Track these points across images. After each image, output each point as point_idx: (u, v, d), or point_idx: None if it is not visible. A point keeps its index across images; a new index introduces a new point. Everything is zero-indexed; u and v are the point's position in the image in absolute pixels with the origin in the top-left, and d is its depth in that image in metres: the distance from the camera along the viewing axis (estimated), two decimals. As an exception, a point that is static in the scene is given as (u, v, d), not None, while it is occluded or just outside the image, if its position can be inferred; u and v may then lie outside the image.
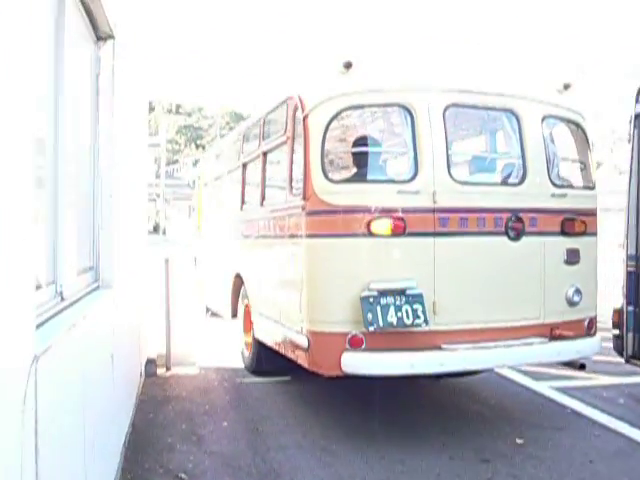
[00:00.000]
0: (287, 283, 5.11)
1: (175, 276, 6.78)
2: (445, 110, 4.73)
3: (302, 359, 4.86)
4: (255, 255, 6.16)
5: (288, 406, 5.67)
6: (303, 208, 4.71)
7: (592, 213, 5.26)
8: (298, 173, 5.00)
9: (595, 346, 5.05)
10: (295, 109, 5.00)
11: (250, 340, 6.78)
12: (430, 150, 4.64)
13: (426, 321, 4.49)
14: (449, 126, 4.76)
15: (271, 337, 5.70)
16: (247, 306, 6.88)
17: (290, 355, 5.17)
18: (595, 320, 5.22)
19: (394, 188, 4.63)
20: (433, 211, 4.63)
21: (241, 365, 6.98)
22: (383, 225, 4.52)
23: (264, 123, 6.01)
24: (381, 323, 4.42)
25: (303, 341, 4.74)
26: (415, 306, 4.51)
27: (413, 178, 4.64)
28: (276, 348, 5.58)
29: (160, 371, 6.68)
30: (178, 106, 49.68)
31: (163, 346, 6.88)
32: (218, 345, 8.17)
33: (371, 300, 4.46)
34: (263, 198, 6.04)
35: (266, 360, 6.31)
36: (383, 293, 4.48)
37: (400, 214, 4.55)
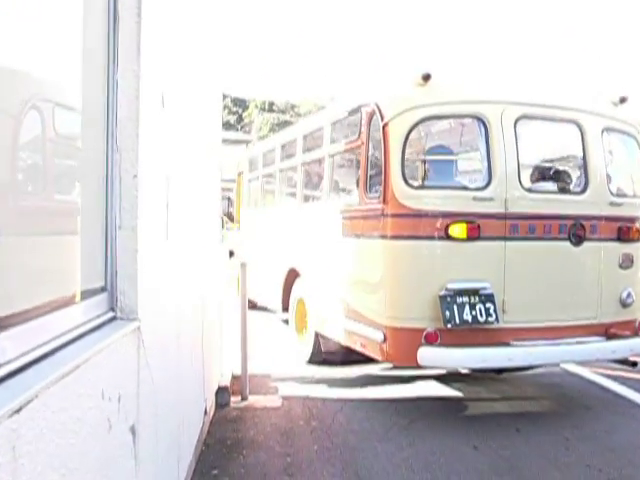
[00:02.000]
0: (360, 280, 5.42)
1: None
2: (516, 121, 5.06)
3: (375, 352, 5.19)
4: (318, 252, 6.45)
5: (394, 461, 4.37)
6: (382, 211, 5.03)
7: (642, 219, 5.61)
8: (375, 177, 5.32)
9: (645, 345, 5.41)
10: (371, 116, 5.30)
11: (305, 332, 7.11)
12: (503, 159, 4.97)
13: (497, 319, 4.84)
14: (519, 137, 5.08)
15: (335, 330, 6.02)
16: (301, 299, 7.20)
17: (359, 348, 5.49)
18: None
19: (469, 195, 4.96)
20: (505, 217, 4.96)
21: (328, 393, 5.89)
22: (459, 229, 4.85)
23: (332, 126, 6.29)
24: (457, 320, 4.76)
25: (378, 335, 5.07)
26: (487, 305, 4.86)
27: (487, 185, 4.97)
28: (340, 341, 5.91)
29: (235, 399, 5.59)
30: (271, 103, 49.74)
31: (237, 366, 5.88)
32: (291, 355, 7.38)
33: (449, 299, 4.80)
34: (329, 197, 6.34)
35: (325, 352, 6.66)
36: (459, 293, 4.82)
37: (475, 219, 4.89)
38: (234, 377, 5.99)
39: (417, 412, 5.39)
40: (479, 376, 6.49)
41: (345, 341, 5.81)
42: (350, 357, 6.42)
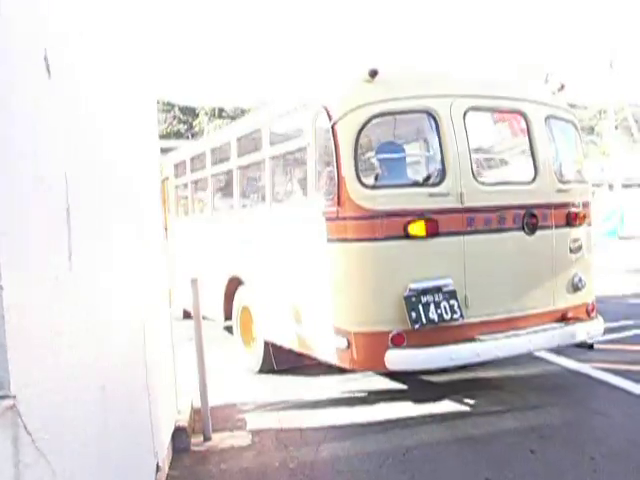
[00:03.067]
0: (317, 285, 5.23)
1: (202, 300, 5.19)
2: (465, 114, 5.00)
3: (339, 359, 5.02)
4: (265, 259, 6.21)
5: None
6: (337, 213, 4.86)
7: (588, 204, 5.70)
8: (325, 178, 5.14)
9: (600, 327, 5.50)
10: (317, 115, 5.12)
11: (252, 341, 6.87)
12: (455, 153, 4.90)
13: (462, 315, 4.79)
14: (469, 129, 5.03)
15: (289, 339, 5.81)
16: (246, 308, 6.95)
17: (320, 356, 5.32)
18: (595, 303, 5.68)
19: (425, 191, 4.87)
20: (461, 211, 4.91)
21: (304, 420, 5.16)
22: (418, 227, 4.75)
23: (272, 127, 6.06)
24: (424, 320, 4.67)
25: (341, 342, 4.90)
26: (451, 302, 4.79)
27: (441, 181, 4.89)
28: (296, 349, 5.71)
29: (196, 440, 4.78)
30: (221, 109, 48.16)
31: (195, 395, 5.09)
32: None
33: (413, 299, 4.70)
34: (274, 202, 6.11)
35: (278, 360, 6.44)
36: (423, 292, 4.73)
37: (432, 215, 4.80)
38: (194, 410, 5.15)
39: (412, 438, 4.68)
40: (470, 384, 5.90)
41: (301, 349, 5.62)
42: (302, 363, 6.25)
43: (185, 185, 9.11)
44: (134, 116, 3.90)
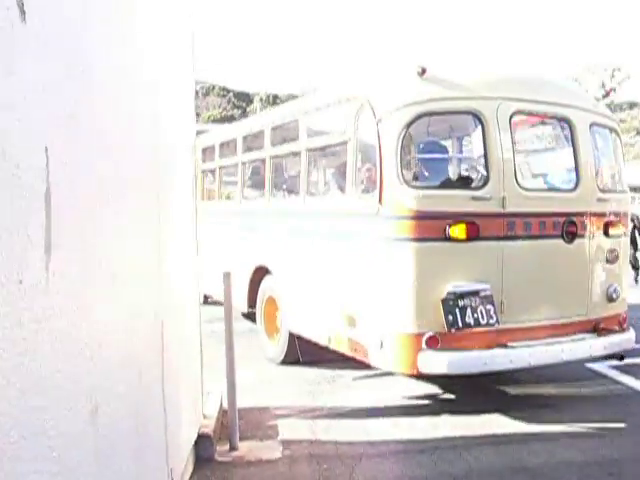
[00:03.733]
0: (353, 283, 5.20)
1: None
2: (511, 117, 4.94)
3: (371, 358, 5.01)
4: (298, 252, 6.17)
5: None
6: (378, 211, 4.83)
7: (626, 215, 5.65)
8: (367, 175, 5.11)
9: (632, 339, 5.47)
10: (361, 110, 5.07)
11: (276, 331, 6.85)
12: (500, 157, 4.85)
13: (497, 321, 4.75)
14: (514, 133, 4.97)
15: (318, 333, 5.79)
16: (271, 298, 6.93)
17: (350, 353, 5.29)
18: (627, 315, 5.64)
19: (468, 194, 4.82)
20: (502, 216, 4.86)
21: (341, 432, 4.75)
22: (459, 230, 4.71)
23: (311, 118, 6.00)
24: (460, 324, 4.65)
25: (375, 341, 4.89)
26: (488, 307, 4.76)
27: (485, 184, 4.84)
28: (326, 344, 5.69)
29: (222, 449, 4.36)
30: (275, 96, 48.27)
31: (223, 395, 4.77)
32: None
33: (451, 303, 4.66)
34: (310, 194, 6.07)
35: (303, 352, 6.42)
36: (461, 295, 4.69)
37: (474, 219, 4.75)
38: (223, 412, 4.80)
39: (459, 463, 4.19)
40: (524, 400, 5.53)
41: (333, 345, 5.59)
42: (327, 357, 6.22)
43: (213, 171, 9.06)
44: (160, 88, 3.28)
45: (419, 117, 4.83)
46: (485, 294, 4.77)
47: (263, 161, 7.09)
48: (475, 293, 4.74)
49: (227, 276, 4.62)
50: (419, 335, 4.71)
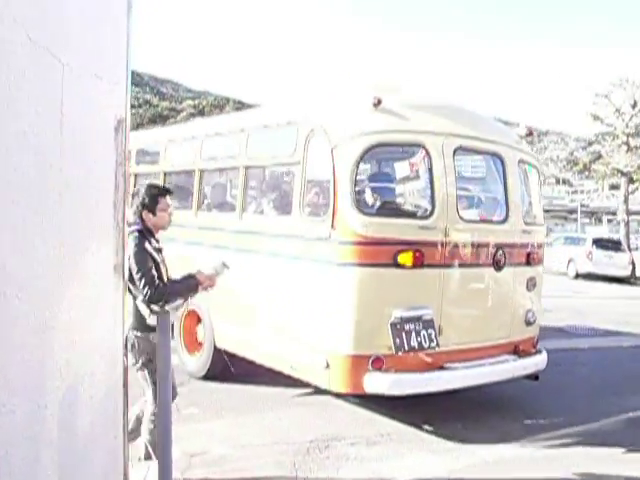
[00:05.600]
0: (298, 304, 5.28)
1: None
2: (454, 152, 5.25)
3: (315, 378, 5.12)
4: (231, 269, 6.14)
5: None
6: (330, 235, 4.95)
7: (542, 246, 6.14)
8: (316, 198, 5.22)
9: (545, 360, 5.94)
10: (313, 135, 5.17)
11: (196, 346, 6.76)
12: (444, 189, 5.14)
13: (438, 344, 5.03)
14: (457, 167, 5.28)
15: (257, 352, 5.79)
16: (193, 312, 6.81)
17: (293, 373, 5.37)
18: (538, 337, 6.13)
19: (416, 223, 5.07)
20: (444, 245, 5.15)
21: None
22: (407, 257, 4.94)
23: (254, 134, 6.00)
24: (406, 347, 4.88)
25: (319, 361, 5.01)
26: (429, 331, 5.03)
27: (430, 214, 5.11)
28: (264, 363, 5.72)
29: None
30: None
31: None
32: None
33: (398, 326, 4.88)
34: (243, 211, 6.06)
35: (227, 368, 6.33)
36: (407, 320, 4.92)
37: (420, 247, 5.00)
38: None
39: None
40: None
41: (270, 363, 5.64)
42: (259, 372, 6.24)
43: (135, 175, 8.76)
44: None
45: (373, 147, 5.03)
46: (426, 318, 5.03)
47: (191, 173, 6.98)
48: (418, 318, 4.99)
49: (163, 318, 3.46)
50: (365, 357, 4.89)
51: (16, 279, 2.05)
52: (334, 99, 5.51)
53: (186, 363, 6.94)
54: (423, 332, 4.99)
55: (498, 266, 5.51)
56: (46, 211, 2.23)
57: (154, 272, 3.88)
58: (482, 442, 5.06)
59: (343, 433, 5.17)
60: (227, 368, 6.49)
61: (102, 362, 2.73)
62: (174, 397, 3.98)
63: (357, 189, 4.97)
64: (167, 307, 3.82)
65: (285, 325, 5.43)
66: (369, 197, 5.16)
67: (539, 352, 5.98)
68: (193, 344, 6.91)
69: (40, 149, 2.20)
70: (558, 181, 66.35)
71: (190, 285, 4.06)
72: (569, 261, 23.16)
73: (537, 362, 5.82)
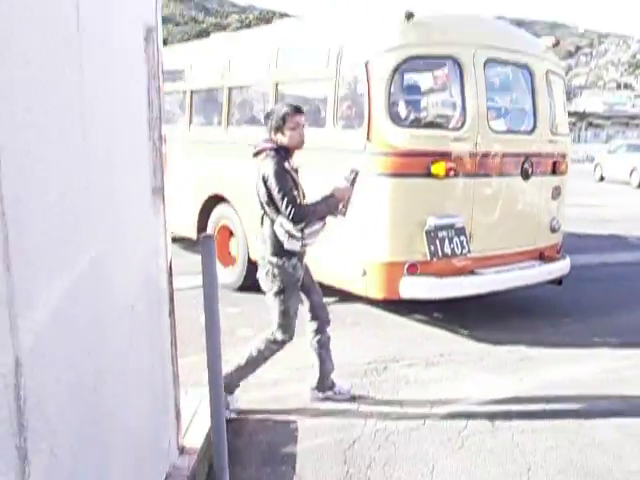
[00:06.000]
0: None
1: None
2: (485, 64, 5.35)
3: (352, 286, 5.40)
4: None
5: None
6: (365, 147, 5.13)
7: (567, 156, 6.29)
8: (350, 111, 5.37)
9: (568, 265, 6.21)
10: (347, 50, 5.27)
11: (230, 258, 7.05)
12: (475, 101, 5.27)
13: (469, 250, 5.28)
14: (487, 79, 5.39)
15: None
16: (225, 226, 7.08)
17: (332, 282, 5.62)
18: (562, 243, 6.37)
19: (448, 135, 5.23)
20: (475, 155, 5.32)
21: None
22: (440, 167, 5.12)
23: (284, 49, 6.07)
24: (440, 254, 5.13)
25: (357, 269, 5.27)
26: (461, 238, 5.26)
27: (462, 126, 5.26)
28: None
29: None
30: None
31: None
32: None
33: (432, 234, 5.12)
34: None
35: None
36: (440, 227, 5.16)
37: (452, 158, 5.18)
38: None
39: None
40: None
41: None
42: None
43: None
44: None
45: (407, 60, 5.13)
46: (458, 226, 5.27)
47: (220, 90, 7.08)
48: (451, 226, 5.22)
49: (207, 241, 2.89)
50: (401, 264, 5.15)
51: (46, 204, 1.63)
52: (366, 14, 5.56)
53: (221, 276, 7.25)
54: (455, 239, 5.23)
55: (526, 175, 5.70)
56: (67, 137, 1.79)
57: (295, 192, 3.80)
58: (547, 364, 4.93)
59: (401, 354, 5.08)
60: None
61: (144, 293, 2.54)
62: (327, 322, 4.15)
63: (391, 102, 5.11)
64: (306, 231, 3.80)
65: (324, 236, 5.66)
66: (403, 110, 5.30)
67: (563, 257, 6.24)
68: (225, 258, 7.20)
69: (54, 62, 1.69)
70: (619, 86, 63.95)
71: (330, 205, 3.98)
72: (632, 170, 22.51)
73: (562, 267, 6.09)
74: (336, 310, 5.62)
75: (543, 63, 5.86)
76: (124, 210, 2.31)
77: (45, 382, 1.59)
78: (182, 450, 3.11)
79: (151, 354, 2.67)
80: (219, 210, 7.20)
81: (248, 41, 7.04)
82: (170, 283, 2.94)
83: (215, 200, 7.18)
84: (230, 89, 6.91)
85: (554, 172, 6.02)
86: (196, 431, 3.35)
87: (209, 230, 7.40)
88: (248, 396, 4.17)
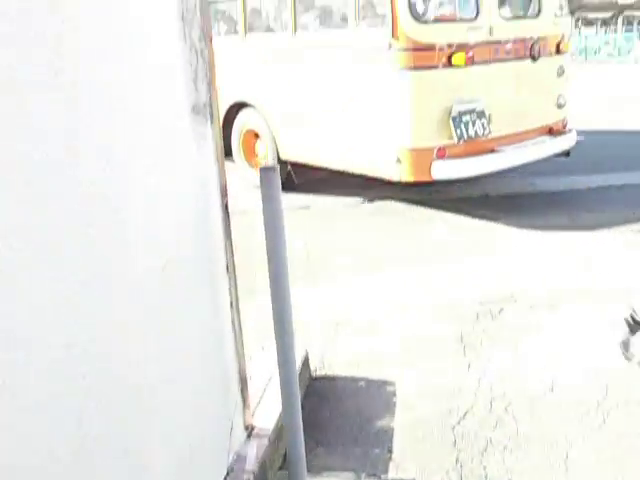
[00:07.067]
0: (362, 108, 6.01)
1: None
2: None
3: (386, 172, 5.98)
4: (290, 82, 6.75)
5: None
6: (390, 45, 5.59)
7: (567, 35, 6.78)
8: (372, 11, 5.80)
9: (575, 137, 6.81)
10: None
11: (259, 160, 7.59)
12: (487, -10, 5.71)
13: (490, 131, 5.87)
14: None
15: (327, 158, 6.60)
16: (250, 131, 7.56)
17: (365, 172, 6.21)
18: (567, 119, 6.95)
19: (464, 26, 5.69)
20: (490, 43, 5.81)
21: None
22: (460, 57, 5.62)
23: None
24: (466, 136, 5.71)
25: (390, 157, 5.85)
26: (482, 120, 5.84)
27: (477, 16, 5.72)
28: (336, 167, 6.55)
29: None
30: None
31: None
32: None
33: (457, 119, 5.68)
34: (297, 27, 6.59)
35: (298, 177, 7.20)
36: (464, 112, 5.71)
37: (470, 47, 5.67)
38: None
39: None
40: None
41: (344, 166, 6.46)
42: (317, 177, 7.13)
43: None
44: None
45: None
46: (479, 110, 5.83)
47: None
48: (473, 110, 5.78)
49: (269, 174, 2.27)
50: (431, 149, 5.73)
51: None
52: None
53: (250, 176, 7.77)
54: (477, 122, 5.80)
55: (534, 57, 6.21)
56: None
57: None
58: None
59: (520, 291, 4.26)
60: (290, 178, 7.35)
61: (192, 242, 2.04)
62: None
63: (412, 0, 5.53)
64: None
65: (357, 130, 6.20)
66: (422, 7, 5.72)
67: (570, 131, 6.84)
68: (253, 159, 7.72)
69: None
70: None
71: None
72: None
73: (569, 140, 6.70)
74: (438, 235, 5.65)
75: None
76: (142, 138, 1.70)
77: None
78: (250, 432, 2.53)
79: (204, 314, 2.16)
80: (242, 117, 7.64)
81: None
82: (227, 232, 2.34)
83: (238, 108, 7.61)
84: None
85: (558, 52, 6.52)
86: (269, 407, 2.71)
87: (234, 135, 7.86)
88: (337, 347, 3.65)
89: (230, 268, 2.35)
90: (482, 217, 6.03)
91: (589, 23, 40.76)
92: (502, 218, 5.95)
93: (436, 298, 4.20)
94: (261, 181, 2.25)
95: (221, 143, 2.30)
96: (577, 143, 6.81)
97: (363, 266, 4.96)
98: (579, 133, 6.99)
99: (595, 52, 32.19)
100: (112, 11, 1.56)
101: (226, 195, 2.33)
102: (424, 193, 6.74)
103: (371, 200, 6.82)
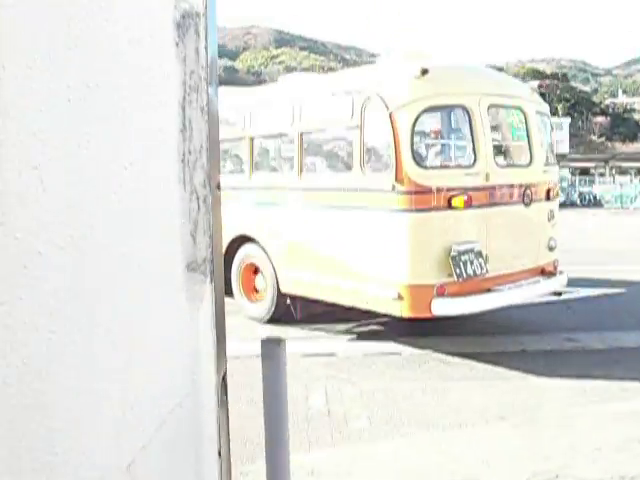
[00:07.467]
0: (365, 247, 6.23)
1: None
2: (488, 109, 6.22)
3: (387, 308, 6.12)
4: (292, 220, 7.04)
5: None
6: (394, 187, 5.90)
7: (556, 183, 7.21)
8: (376, 156, 6.16)
9: (565, 279, 7.07)
10: (370, 103, 6.07)
11: (256, 294, 7.72)
12: (483, 140, 6.12)
13: (487, 271, 6.08)
14: (490, 121, 6.26)
15: (327, 293, 6.75)
16: (251, 265, 7.75)
17: (365, 306, 6.34)
18: (558, 261, 7.24)
19: (463, 172, 6.06)
20: (486, 188, 6.16)
21: None
22: (459, 200, 5.93)
23: (308, 101, 6.86)
24: (465, 275, 5.92)
25: (391, 293, 6.01)
26: (479, 260, 6.07)
27: (474, 163, 6.10)
28: (332, 300, 6.69)
29: None
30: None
31: None
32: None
33: (457, 259, 5.91)
34: (302, 170, 6.95)
35: (298, 310, 7.32)
36: (462, 252, 5.95)
37: (468, 191, 6.00)
38: None
39: None
40: None
41: (346, 301, 6.59)
42: (317, 311, 7.24)
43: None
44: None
45: (425, 110, 5.96)
46: (477, 250, 6.07)
47: (249, 139, 7.80)
48: (471, 250, 6.03)
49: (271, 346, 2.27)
50: (431, 286, 5.91)
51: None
52: (385, 70, 6.38)
53: (248, 310, 7.89)
54: (475, 261, 6.03)
55: (527, 203, 6.56)
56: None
57: None
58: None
59: (566, 468, 3.61)
60: (289, 312, 7.47)
61: (175, 428, 1.65)
62: None
63: (414, 147, 5.91)
64: None
65: (359, 268, 6.39)
66: (424, 153, 6.12)
67: (561, 273, 7.10)
68: (252, 293, 7.86)
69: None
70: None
71: None
72: None
73: (561, 281, 6.95)
74: (475, 398, 5.09)
75: (532, 104, 6.79)
76: (130, 297, 1.37)
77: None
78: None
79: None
80: (244, 250, 7.85)
81: (271, 95, 7.79)
82: (221, 416, 1.97)
83: (240, 241, 7.83)
84: (252, 139, 7.64)
85: (548, 198, 6.91)
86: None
87: (234, 268, 8.04)
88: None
89: (223, 453, 1.99)
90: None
91: (623, 172, 43.49)
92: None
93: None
94: (263, 356, 1.97)
95: (222, 303, 1.93)
96: (621, 295, 6.94)
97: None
98: (622, 284, 7.17)
99: (632, 200, 33.55)
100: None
101: (224, 369, 1.93)
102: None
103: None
